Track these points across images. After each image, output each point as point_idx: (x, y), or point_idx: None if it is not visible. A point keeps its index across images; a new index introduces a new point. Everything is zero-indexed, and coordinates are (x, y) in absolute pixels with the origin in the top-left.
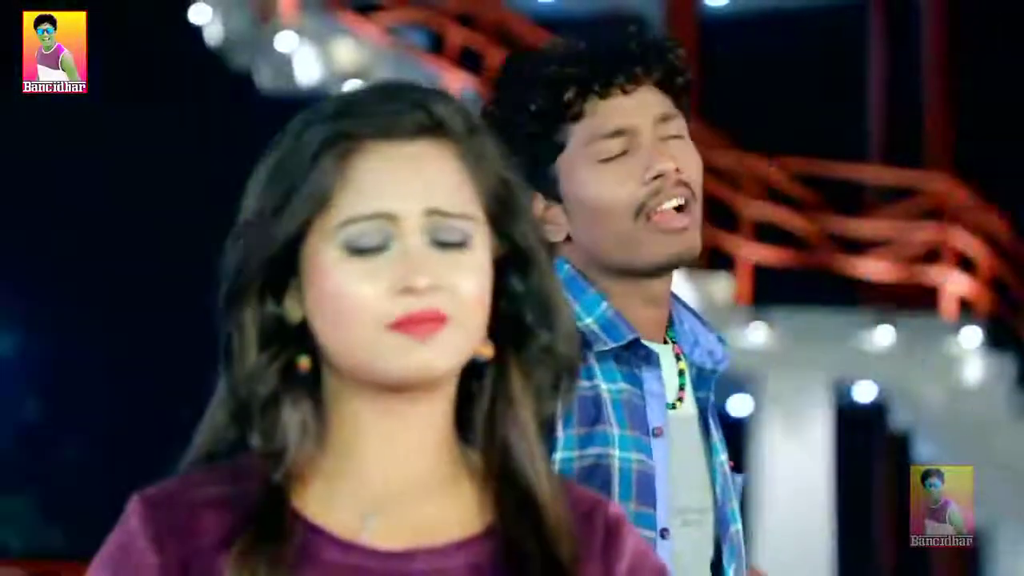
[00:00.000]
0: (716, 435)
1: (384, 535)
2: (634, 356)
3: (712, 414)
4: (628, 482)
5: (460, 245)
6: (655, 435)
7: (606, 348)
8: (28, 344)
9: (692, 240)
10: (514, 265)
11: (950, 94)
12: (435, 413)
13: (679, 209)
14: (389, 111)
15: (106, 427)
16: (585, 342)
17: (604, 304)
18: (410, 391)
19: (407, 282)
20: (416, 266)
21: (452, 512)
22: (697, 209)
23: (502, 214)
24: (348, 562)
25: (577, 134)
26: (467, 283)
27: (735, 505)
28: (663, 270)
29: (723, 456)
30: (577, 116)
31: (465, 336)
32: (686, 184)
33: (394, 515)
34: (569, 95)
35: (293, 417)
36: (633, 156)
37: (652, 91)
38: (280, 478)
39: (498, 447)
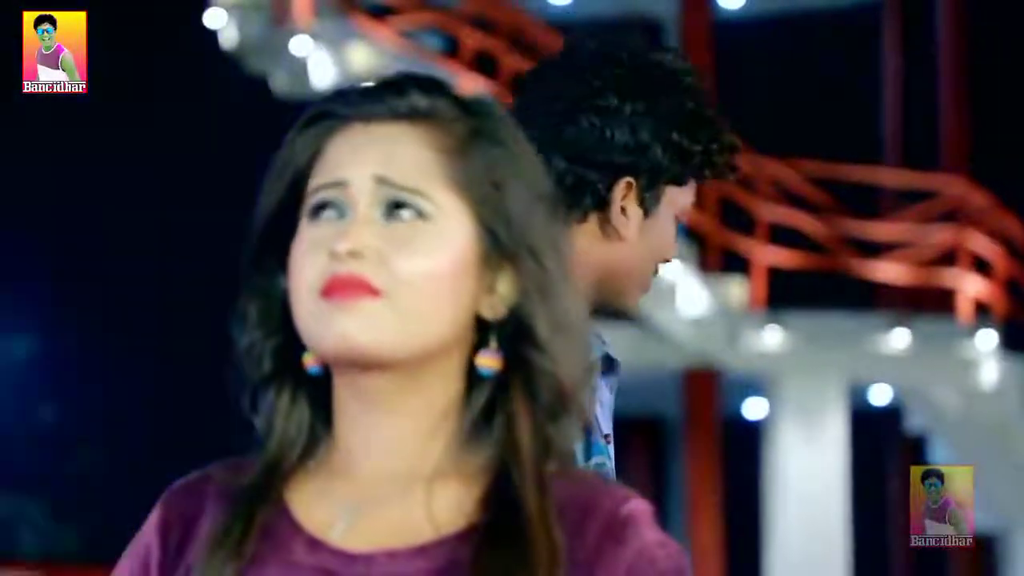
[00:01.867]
0: None
1: (355, 536)
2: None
3: None
4: None
5: (413, 220)
6: (607, 442)
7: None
8: (43, 347)
9: None
10: (508, 272)
11: (966, 96)
12: (418, 408)
13: None
14: (370, 95)
15: (120, 430)
16: None
17: None
18: (366, 372)
19: (331, 246)
20: (346, 232)
21: (429, 514)
22: None
23: (488, 214)
24: (312, 561)
25: (688, 187)
26: (408, 261)
27: None
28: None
29: None
30: (701, 177)
31: (404, 317)
32: None
33: (371, 515)
34: (730, 165)
35: (280, 404)
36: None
37: None
38: (263, 469)
39: (492, 458)
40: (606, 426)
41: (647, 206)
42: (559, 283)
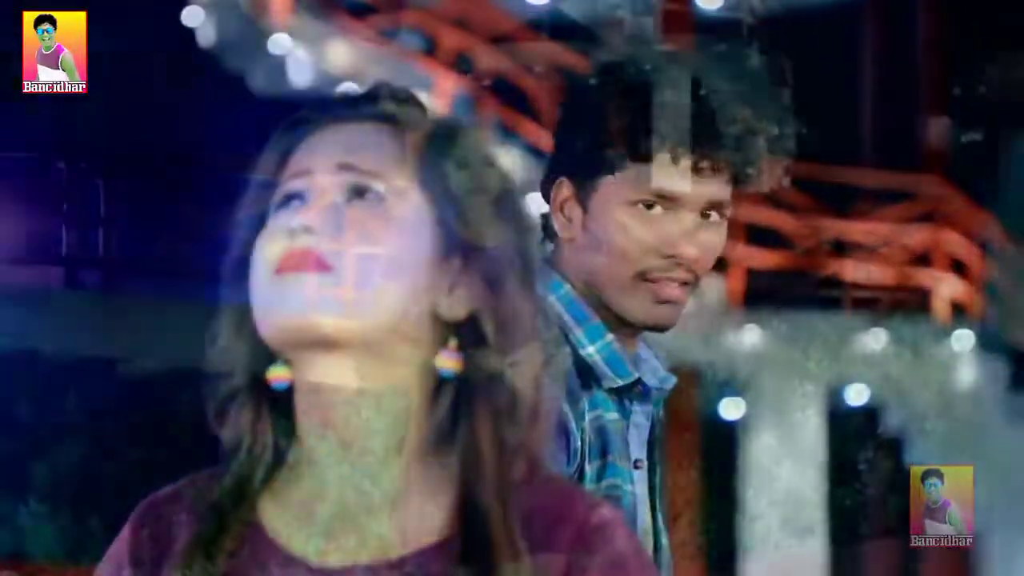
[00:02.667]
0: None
1: (330, 551)
2: (629, 390)
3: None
4: (631, 512)
5: (372, 204)
6: (636, 467)
7: (614, 386)
8: (23, 345)
9: (675, 314)
10: (468, 274)
11: (945, 96)
12: (379, 409)
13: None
14: (343, 102)
15: (100, 430)
16: (589, 372)
17: (608, 335)
18: (318, 354)
19: (288, 225)
20: (304, 210)
21: (400, 527)
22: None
23: (444, 209)
24: None
25: (636, 170)
26: (362, 241)
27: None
28: (641, 328)
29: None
30: (646, 158)
31: (353, 296)
32: (692, 271)
33: (344, 529)
34: (670, 141)
35: (245, 420)
36: (667, 219)
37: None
38: (234, 485)
39: (457, 464)
40: (637, 451)
41: (582, 202)
42: (513, 291)
